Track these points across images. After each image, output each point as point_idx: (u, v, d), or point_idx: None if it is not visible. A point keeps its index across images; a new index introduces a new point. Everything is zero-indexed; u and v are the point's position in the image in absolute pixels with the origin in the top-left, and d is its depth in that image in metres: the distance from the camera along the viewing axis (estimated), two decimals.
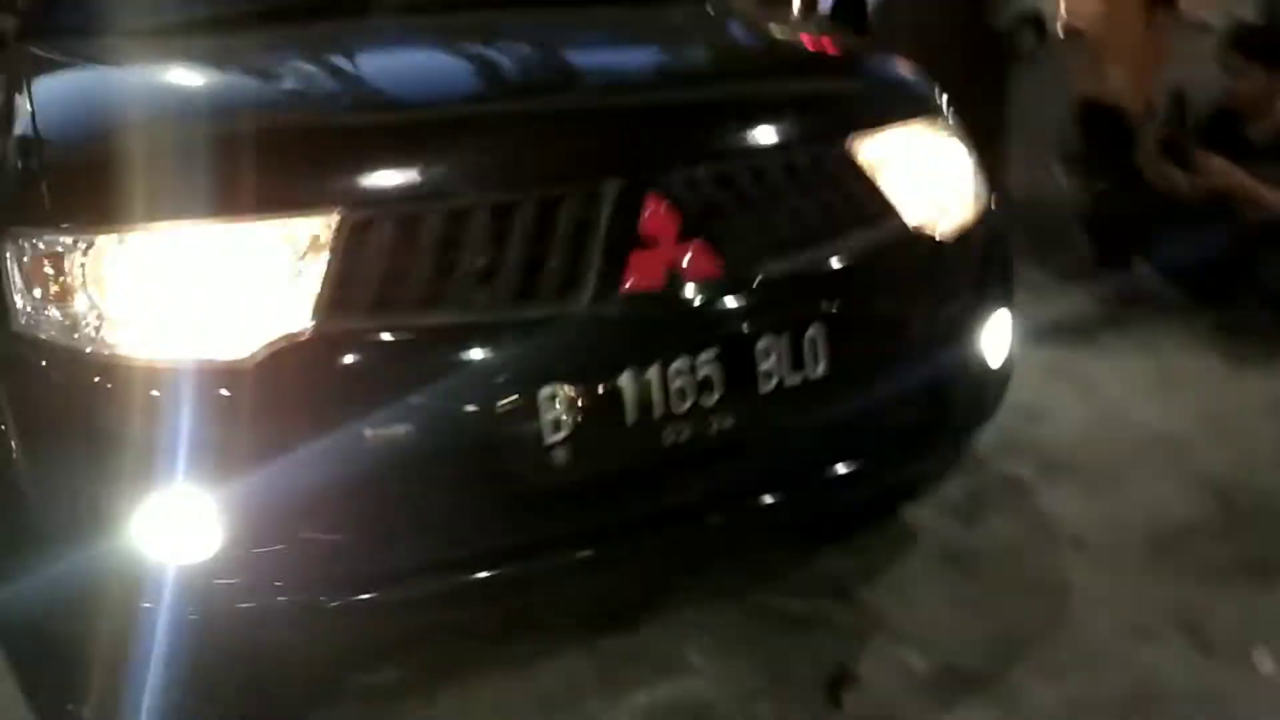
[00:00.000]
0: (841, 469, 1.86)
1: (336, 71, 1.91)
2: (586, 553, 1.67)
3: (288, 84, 1.84)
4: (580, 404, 1.55)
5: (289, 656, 2.09)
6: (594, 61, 2.07)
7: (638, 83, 1.97)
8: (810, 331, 1.70)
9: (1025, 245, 4.62)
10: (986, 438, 2.90)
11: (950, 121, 2.07)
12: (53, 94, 1.80)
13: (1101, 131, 4.42)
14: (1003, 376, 2.12)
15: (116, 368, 1.47)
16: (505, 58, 2.00)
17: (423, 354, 1.52)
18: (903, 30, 5.07)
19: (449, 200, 1.53)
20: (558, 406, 1.54)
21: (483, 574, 1.62)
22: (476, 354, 1.53)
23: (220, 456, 1.48)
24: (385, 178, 1.55)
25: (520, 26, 2.24)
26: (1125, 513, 2.59)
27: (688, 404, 1.62)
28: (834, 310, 1.73)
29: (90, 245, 1.47)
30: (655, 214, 1.61)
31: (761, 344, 1.67)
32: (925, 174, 1.94)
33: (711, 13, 2.61)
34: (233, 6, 2.28)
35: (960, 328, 1.96)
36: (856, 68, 2.24)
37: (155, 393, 1.46)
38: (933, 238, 1.91)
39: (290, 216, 1.49)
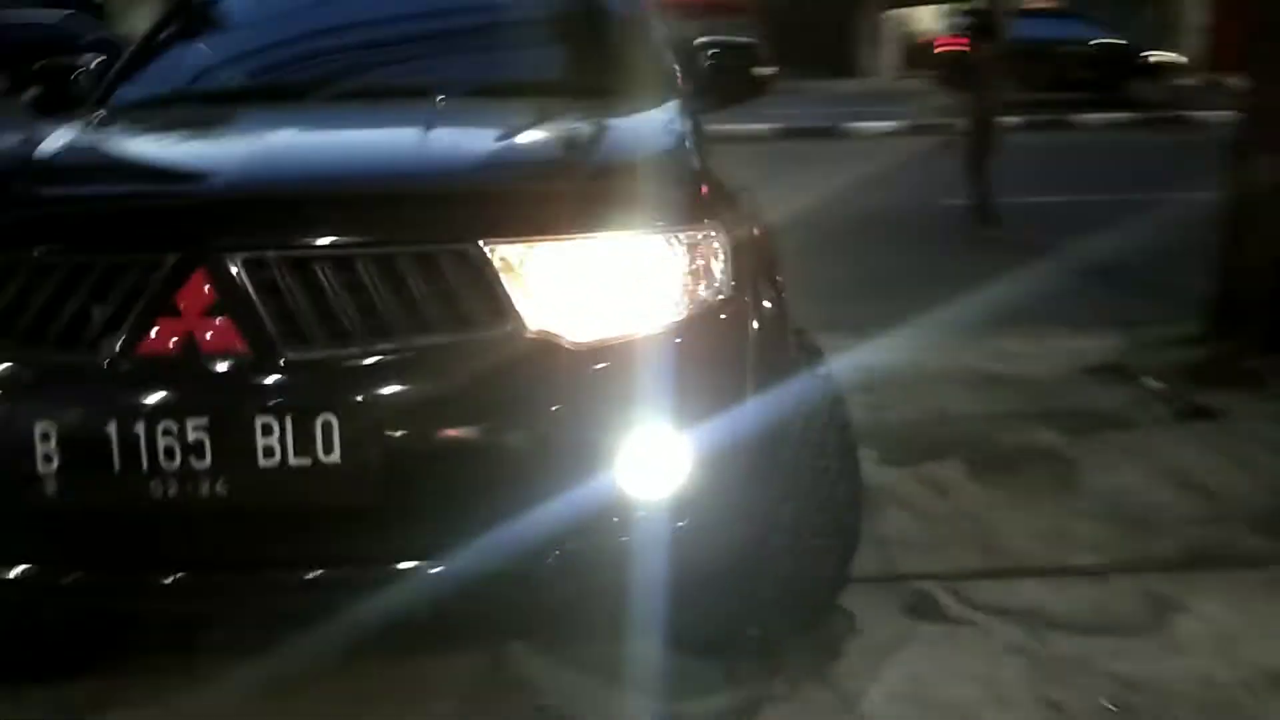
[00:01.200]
0: (367, 563, 1.90)
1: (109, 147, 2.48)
2: (68, 578, 1.94)
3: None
4: (68, 445, 1.84)
5: None
6: (286, 151, 2.24)
7: (255, 171, 2.09)
8: (323, 418, 1.80)
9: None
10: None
11: (677, 236, 1.99)
12: None
13: None
14: (667, 509, 1.94)
15: None
16: (231, 145, 2.37)
17: None
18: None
19: (31, 253, 1.92)
20: (50, 443, 1.83)
21: None
22: (2, 386, 1.90)
23: None
24: None
25: (354, 119, 2.54)
26: None
27: (175, 463, 1.82)
28: (363, 401, 1.83)
29: None
30: (191, 288, 1.86)
31: (263, 420, 1.81)
32: (584, 284, 1.92)
33: (591, 111, 2.46)
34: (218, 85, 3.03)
35: (573, 443, 1.88)
36: (551, 174, 2.15)
37: None
38: (561, 347, 1.89)
39: None
